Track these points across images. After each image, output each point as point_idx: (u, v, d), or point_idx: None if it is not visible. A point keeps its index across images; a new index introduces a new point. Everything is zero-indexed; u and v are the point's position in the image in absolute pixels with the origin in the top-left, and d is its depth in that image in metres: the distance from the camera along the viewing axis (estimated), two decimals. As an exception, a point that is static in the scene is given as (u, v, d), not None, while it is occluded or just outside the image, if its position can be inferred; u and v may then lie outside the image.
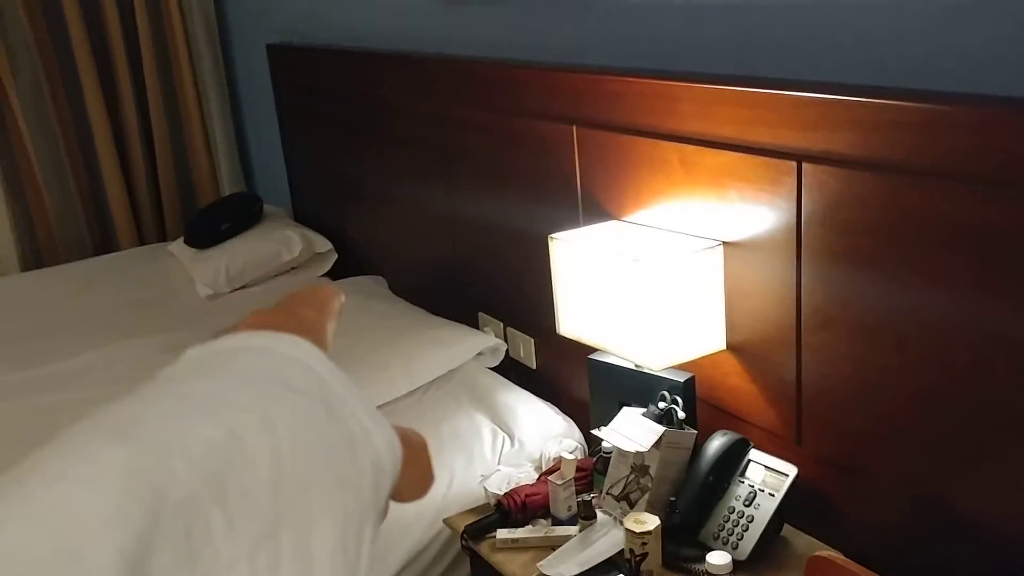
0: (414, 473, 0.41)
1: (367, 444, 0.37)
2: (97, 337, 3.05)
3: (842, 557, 1.61)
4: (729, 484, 1.82)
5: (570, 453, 2.14)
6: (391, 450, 0.38)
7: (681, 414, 1.89)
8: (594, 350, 2.05)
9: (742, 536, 1.76)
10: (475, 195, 2.65)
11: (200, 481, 0.30)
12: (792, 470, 1.78)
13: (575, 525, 1.94)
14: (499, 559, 1.93)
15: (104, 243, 4.14)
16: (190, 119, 4.18)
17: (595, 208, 2.18)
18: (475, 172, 2.63)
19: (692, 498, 1.80)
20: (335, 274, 3.52)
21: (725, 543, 1.77)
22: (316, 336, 0.40)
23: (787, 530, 1.84)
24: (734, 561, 1.71)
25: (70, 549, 0.27)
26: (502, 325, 2.67)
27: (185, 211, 4.20)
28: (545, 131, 2.28)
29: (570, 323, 2.03)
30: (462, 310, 2.77)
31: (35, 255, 4.01)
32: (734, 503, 1.80)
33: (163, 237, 4.20)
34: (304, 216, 3.84)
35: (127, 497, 0.29)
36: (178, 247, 3.74)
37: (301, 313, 0.42)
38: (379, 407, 2.33)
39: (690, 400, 1.93)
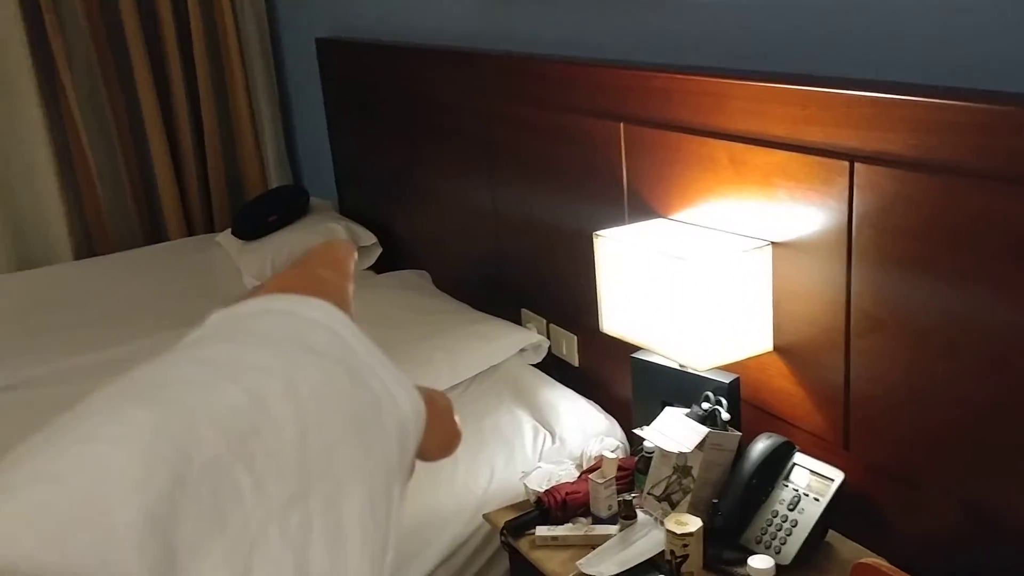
0: (439, 432, 0.41)
1: (391, 405, 0.37)
2: (146, 326, 3.09)
3: (887, 565, 1.58)
4: (773, 488, 1.79)
5: (611, 452, 2.13)
6: (415, 410, 0.38)
7: (725, 415, 1.87)
8: (638, 349, 2.03)
9: (785, 540, 1.73)
10: (520, 191, 2.65)
11: (225, 443, 0.30)
12: (838, 475, 1.75)
13: (615, 524, 1.93)
14: (538, 556, 1.92)
15: (154, 233, 4.20)
16: (239, 112, 4.22)
17: (641, 206, 2.16)
18: (521, 168, 2.62)
19: (735, 501, 1.78)
20: (379, 267, 3.53)
21: (768, 547, 1.74)
22: (337, 297, 0.40)
23: (832, 536, 1.81)
24: (777, 566, 1.68)
25: (96, 508, 0.27)
26: (545, 322, 2.66)
27: (233, 203, 4.24)
28: (592, 128, 2.27)
29: (614, 321, 2.02)
30: (505, 306, 2.77)
31: (87, 244, 4.07)
32: (778, 507, 1.77)
33: (211, 228, 4.24)
34: (350, 209, 3.86)
35: (153, 458, 0.29)
36: (226, 238, 3.78)
37: (321, 274, 0.43)
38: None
39: (735, 401, 1.91)
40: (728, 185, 1.91)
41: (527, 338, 2.57)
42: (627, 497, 1.95)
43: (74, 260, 3.97)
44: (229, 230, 3.81)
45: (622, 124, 2.17)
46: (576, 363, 2.56)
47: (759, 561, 1.67)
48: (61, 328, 3.15)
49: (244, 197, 4.23)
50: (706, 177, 1.96)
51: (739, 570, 1.71)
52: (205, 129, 4.17)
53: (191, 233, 4.23)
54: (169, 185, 4.13)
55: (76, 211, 4.03)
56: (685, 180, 2.02)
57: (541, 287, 2.66)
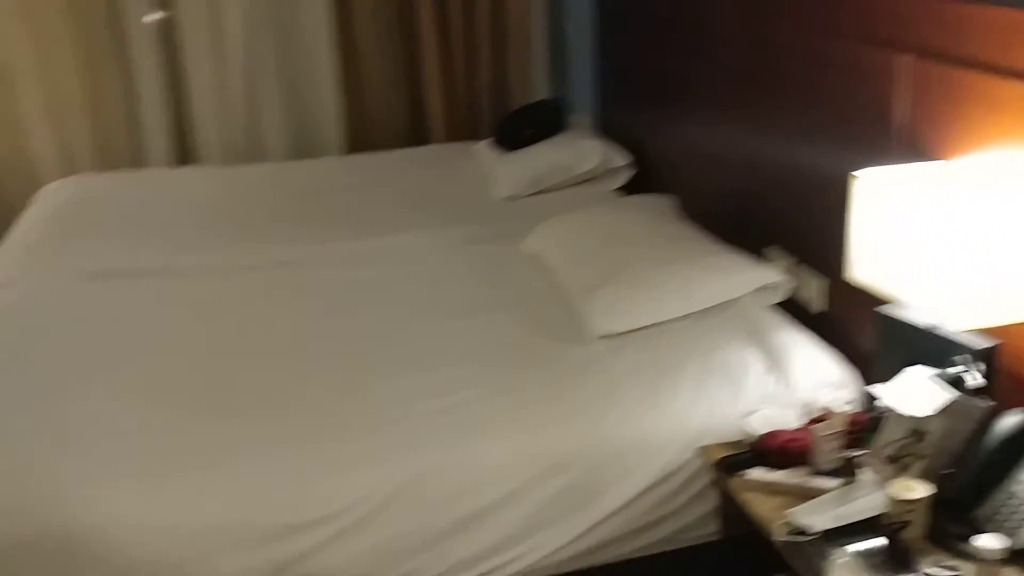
0: None
1: None
2: (402, 222, 3.24)
3: None
4: (1016, 466, 1.63)
5: (843, 405, 2.01)
6: None
7: (976, 382, 1.71)
8: (888, 301, 1.89)
9: (1022, 524, 1.57)
10: (780, 121, 2.51)
11: None
12: (1098, 465, 1.57)
13: (835, 479, 1.83)
14: (749, 498, 1.87)
15: (418, 136, 4.34)
16: (511, 24, 4.24)
17: (911, 146, 1.99)
18: (783, 97, 2.49)
19: (972, 474, 1.64)
20: (629, 189, 3.49)
21: (1000, 528, 1.59)
22: None
23: (1081, 530, 1.63)
24: (1011, 549, 1.54)
25: None
26: (790, 262, 2.53)
27: (497, 113, 4.30)
28: (865, 58, 2.11)
29: (865, 269, 1.88)
30: (751, 242, 2.65)
31: (356, 141, 4.28)
32: (1018, 487, 1.61)
33: (473, 136, 4.33)
34: (607, 129, 3.83)
35: None
36: (484, 147, 3.86)
37: None
38: (649, 327, 2.30)
39: (990, 369, 1.74)
40: (1020, 131, 1.72)
41: (768, 276, 2.46)
42: (853, 453, 1.84)
43: (342, 155, 4.19)
44: (489, 140, 3.89)
45: (900, 55, 1.99)
46: (820, 308, 2.43)
47: (989, 540, 1.54)
48: (329, 216, 3.34)
49: (507, 108, 4.28)
50: (991, 119, 1.77)
51: (964, 546, 1.58)
52: (477, 38, 4.24)
53: (454, 139, 4.33)
54: (438, 91, 4.25)
55: (349, 109, 4.24)
56: (966, 122, 1.84)
57: (791, 226, 2.53)
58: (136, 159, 4.06)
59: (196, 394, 2.17)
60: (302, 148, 4.22)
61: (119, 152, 4.05)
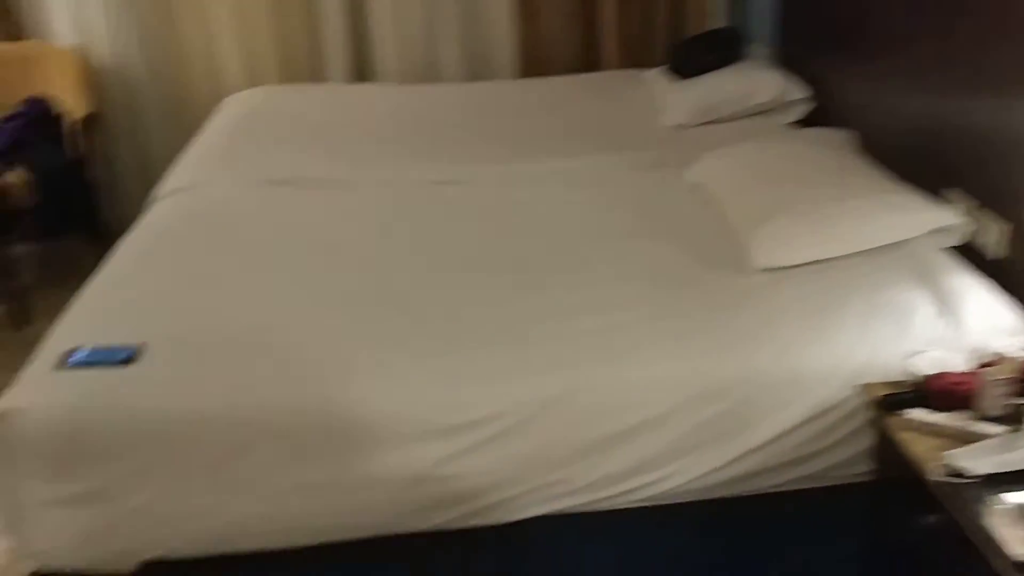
0: None
1: None
2: (570, 146, 3.25)
3: None
4: None
5: (1016, 351, 1.93)
6: None
7: None
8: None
9: None
10: (965, 58, 2.38)
11: None
12: None
13: (1000, 426, 1.77)
14: (906, 437, 1.83)
15: (591, 62, 4.31)
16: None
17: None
18: (969, 31, 2.35)
19: None
20: (807, 123, 3.39)
21: None
22: None
23: None
24: None
25: None
26: (971, 205, 2.41)
27: (670, 40, 4.22)
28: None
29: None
30: (932, 183, 2.53)
31: (531, 64, 4.29)
32: None
33: (646, 64, 4.27)
34: (788, 60, 3.70)
35: None
36: (657, 74, 3.81)
37: None
38: (815, 263, 2.24)
39: None
40: None
41: (944, 218, 2.36)
42: (1022, 402, 1.77)
43: (515, 79, 4.21)
44: (661, 68, 3.83)
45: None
46: (998, 254, 2.31)
47: None
48: (499, 137, 3.38)
49: (682, 36, 4.19)
50: None
51: None
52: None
53: (627, 66, 4.28)
54: (613, 17, 4.20)
55: (524, 33, 4.24)
56: None
57: (977, 167, 2.40)
58: (317, 73, 4.21)
59: (362, 299, 2.27)
60: (476, 70, 4.27)
61: (301, 66, 4.21)
